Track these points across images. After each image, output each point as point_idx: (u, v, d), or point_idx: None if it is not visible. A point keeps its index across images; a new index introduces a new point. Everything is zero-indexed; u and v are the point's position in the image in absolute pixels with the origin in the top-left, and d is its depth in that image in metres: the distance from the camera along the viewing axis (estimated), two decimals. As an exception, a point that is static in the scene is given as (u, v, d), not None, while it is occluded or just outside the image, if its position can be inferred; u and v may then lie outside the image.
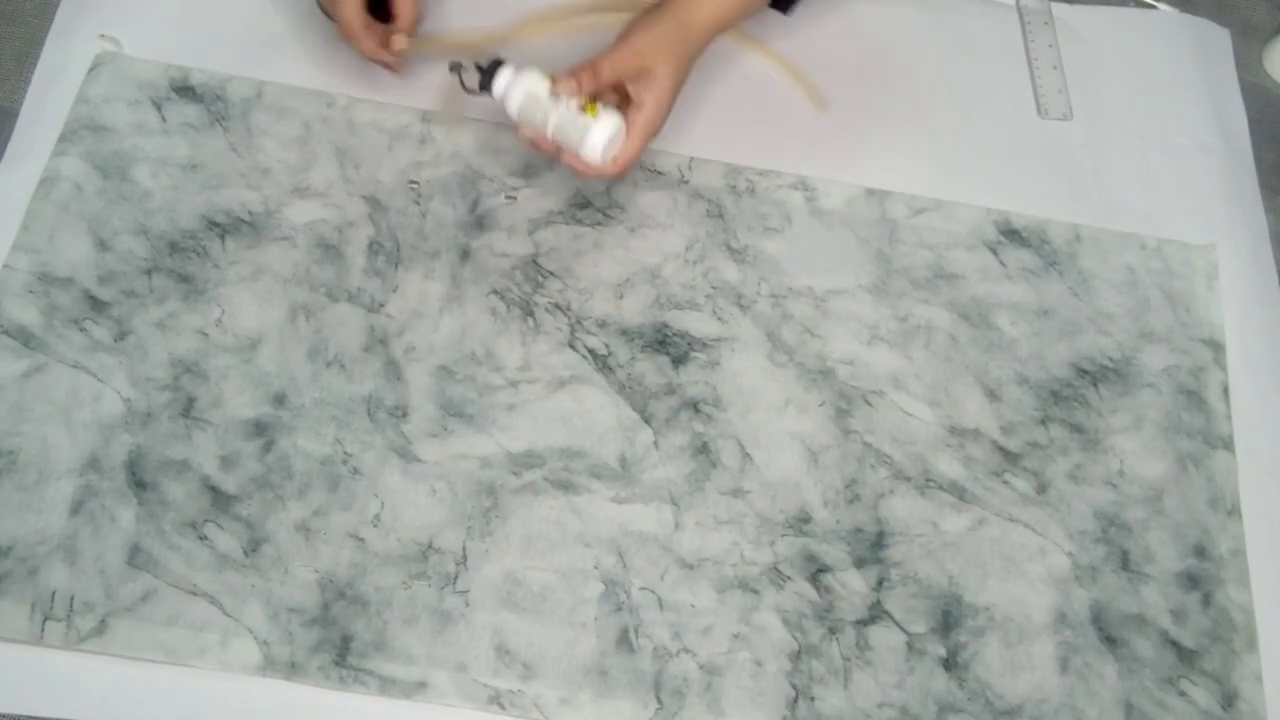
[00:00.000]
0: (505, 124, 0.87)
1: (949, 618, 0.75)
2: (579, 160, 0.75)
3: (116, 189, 0.81)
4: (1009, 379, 0.83)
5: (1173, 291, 0.88)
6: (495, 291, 0.82)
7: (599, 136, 0.73)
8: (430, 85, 0.88)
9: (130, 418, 0.74)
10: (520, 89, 0.74)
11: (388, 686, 0.69)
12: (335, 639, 0.70)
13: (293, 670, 0.68)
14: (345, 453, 0.75)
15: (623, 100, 0.76)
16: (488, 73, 0.75)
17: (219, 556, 0.71)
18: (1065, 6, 1.01)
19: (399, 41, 0.82)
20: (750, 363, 0.81)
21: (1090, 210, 0.91)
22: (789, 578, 0.75)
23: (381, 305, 0.80)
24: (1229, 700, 0.74)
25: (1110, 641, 0.75)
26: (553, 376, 0.79)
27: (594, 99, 0.74)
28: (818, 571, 0.75)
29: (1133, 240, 0.89)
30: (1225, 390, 0.84)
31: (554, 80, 0.74)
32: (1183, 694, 0.74)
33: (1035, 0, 1.01)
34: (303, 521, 0.72)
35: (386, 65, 0.83)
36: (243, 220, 0.81)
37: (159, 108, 0.84)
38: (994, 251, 0.88)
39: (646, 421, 0.78)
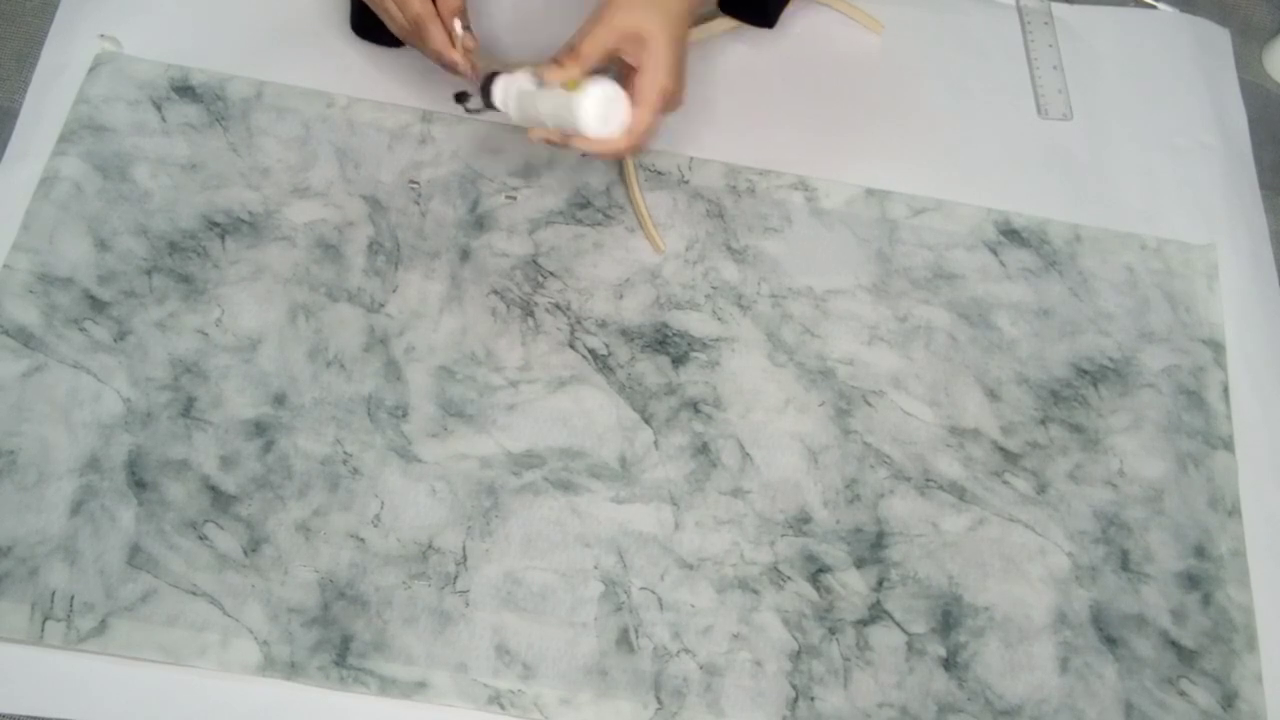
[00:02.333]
0: (505, 124, 0.87)
1: (949, 618, 0.75)
2: (588, 140, 0.71)
3: (116, 189, 0.81)
4: (1009, 379, 0.83)
5: (1173, 291, 0.88)
6: (495, 291, 0.82)
7: (587, 106, 0.70)
8: (430, 85, 0.88)
9: (130, 418, 0.74)
10: (513, 93, 0.73)
11: (388, 686, 0.69)
12: (335, 639, 0.70)
13: (293, 670, 0.68)
14: (345, 453, 0.75)
15: (629, 71, 0.73)
16: (485, 90, 0.74)
17: (219, 556, 0.71)
18: (1065, 6, 1.01)
19: (470, 40, 0.75)
20: (750, 363, 0.81)
21: (1090, 210, 0.91)
22: (789, 578, 0.75)
23: (381, 305, 0.80)
24: (1229, 700, 0.74)
25: (1110, 641, 0.75)
26: (553, 376, 0.79)
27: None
28: (818, 571, 0.75)
29: (1133, 240, 0.89)
30: (1225, 390, 0.84)
31: (539, 73, 0.72)
32: (1183, 694, 0.74)
33: (1035, 0, 1.01)
34: (303, 521, 0.72)
35: (454, 67, 0.76)
36: (243, 220, 0.81)
37: (159, 108, 0.84)
38: (994, 251, 0.88)
39: (646, 421, 0.78)
